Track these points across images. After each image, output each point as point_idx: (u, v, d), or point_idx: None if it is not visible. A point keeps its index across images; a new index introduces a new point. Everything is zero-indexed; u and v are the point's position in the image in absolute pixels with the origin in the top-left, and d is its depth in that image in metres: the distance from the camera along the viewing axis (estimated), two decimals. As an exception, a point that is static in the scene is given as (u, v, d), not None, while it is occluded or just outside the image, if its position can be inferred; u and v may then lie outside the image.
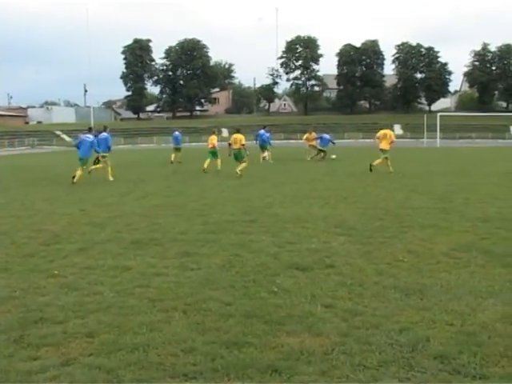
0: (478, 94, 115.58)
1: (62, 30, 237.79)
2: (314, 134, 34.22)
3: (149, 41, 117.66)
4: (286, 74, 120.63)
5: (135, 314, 5.83)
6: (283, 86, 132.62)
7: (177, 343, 5.02)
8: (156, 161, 36.15)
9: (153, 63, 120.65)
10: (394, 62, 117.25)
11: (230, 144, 23.32)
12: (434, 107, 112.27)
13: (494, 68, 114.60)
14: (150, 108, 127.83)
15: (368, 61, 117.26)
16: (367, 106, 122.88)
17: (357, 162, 31.62)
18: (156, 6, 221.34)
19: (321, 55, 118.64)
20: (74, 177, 20.21)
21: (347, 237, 9.69)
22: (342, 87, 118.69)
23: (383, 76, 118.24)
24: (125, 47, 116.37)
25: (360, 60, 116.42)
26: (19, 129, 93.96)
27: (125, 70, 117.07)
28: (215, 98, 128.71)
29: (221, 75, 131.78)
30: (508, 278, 6.96)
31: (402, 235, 9.78)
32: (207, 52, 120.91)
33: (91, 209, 13.73)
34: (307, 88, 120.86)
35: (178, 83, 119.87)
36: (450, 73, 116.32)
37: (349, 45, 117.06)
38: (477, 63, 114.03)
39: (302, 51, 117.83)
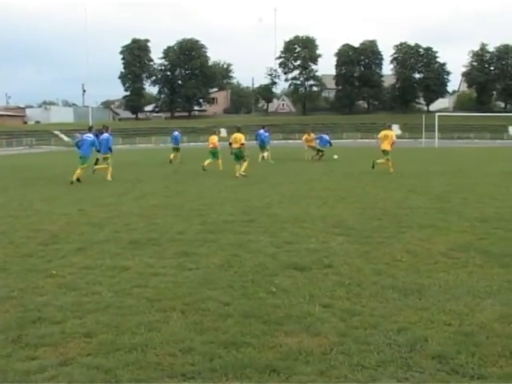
0: (477, 94, 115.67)
1: (61, 30, 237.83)
2: (312, 135, 34.20)
3: (147, 41, 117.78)
4: (285, 74, 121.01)
5: (133, 314, 5.83)
6: (282, 86, 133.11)
7: (175, 343, 5.02)
8: (154, 161, 36.13)
9: (151, 63, 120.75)
10: (392, 62, 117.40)
11: (230, 143, 23.33)
12: (433, 107, 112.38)
13: (492, 68, 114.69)
14: (149, 108, 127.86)
15: (366, 61, 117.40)
16: (365, 106, 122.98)
17: (355, 162, 31.69)
18: (154, 6, 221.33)
19: (319, 55, 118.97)
20: (72, 182, 20.15)
21: (345, 237, 9.69)
22: (340, 87, 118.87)
23: (381, 76, 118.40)
24: (123, 47, 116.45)
25: (358, 60, 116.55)
26: (17, 129, 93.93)
27: (123, 70, 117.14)
28: (213, 98, 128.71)
29: (219, 75, 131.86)
30: (506, 278, 6.96)
31: (401, 235, 9.79)
32: (205, 52, 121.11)
33: (89, 209, 13.72)
34: (306, 88, 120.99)
35: (177, 83, 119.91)
36: (448, 73, 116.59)
37: (347, 45, 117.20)
38: (475, 63, 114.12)
39: (300, 51, 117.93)
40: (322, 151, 33.09)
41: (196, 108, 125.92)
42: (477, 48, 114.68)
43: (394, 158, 24.03)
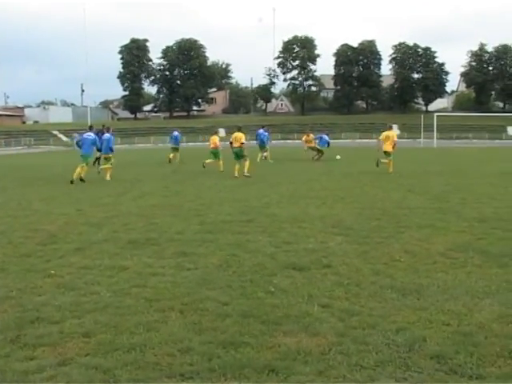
0: (475, 94, 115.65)
1: (60, 30, 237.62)
2: (311, 136, 34.20)
3: (146, 40, 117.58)
4: (283, 74, 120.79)
5: (132, 313, 5.83)
6: (280, 86, 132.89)
7: (173, 343, 5.02)
8: (153, 161, 36.12)
9: (150, 63, 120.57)
10: (391, 62, 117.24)
11: (231, 142, 23.39)
12: (431, 107, 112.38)
13: (490, 68, 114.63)
14: (147, 108, 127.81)
15: (365, 61, 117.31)
16: (364, 106, 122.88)
17: (354, 162, 31.71)
18: (153, 6, 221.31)
19: (318, 55, 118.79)
20: (72, 181, 20.18)
21: (344, 237, 9.69)
22: (339, 87, 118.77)
23: (380, 76, 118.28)
24: (122, 47, 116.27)
25: (357, 60, 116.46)
26: (16, 128, 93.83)
27: (122, 70, 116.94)
28: (212, 98, 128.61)
29: (218, 75, 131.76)
30: (505, 278, 6.97)
31: (399, 235, 9.79)
32: (204, 52, 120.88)
33: (88, 209, 13.72)
34: (304, 88, 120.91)
35: (175, 83, 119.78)
36: (446, 73, 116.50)
37: (346, 45, 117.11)
38: (474, 63, 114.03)
39: (299, 51, 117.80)
40: (322, 151, 33.11)
41: (195, 108, 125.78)
42: (475, 48, 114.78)
43: (393, 157, 24.02)
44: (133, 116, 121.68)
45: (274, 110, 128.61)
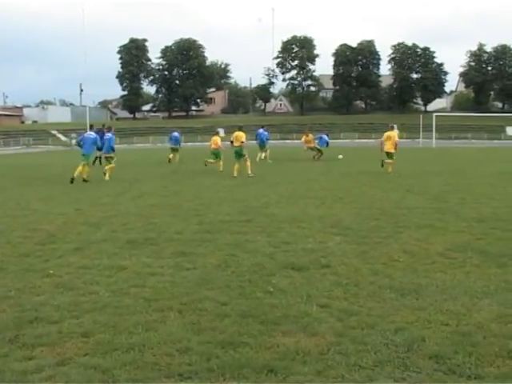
0: (474, 94, 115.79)
1: (59, 30, 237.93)
2: (311, 136, 34.24)
3: (145, 40, 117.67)
4: (282, 74, 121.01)
5: (130, 313, 5.82)
6: (279, 86, 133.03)
7: (172, 343, 5.01)
8: (152, 160, 36.12)
9: (149, 63, 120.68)
10: (389, 62, 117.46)
11: (231, 142, 23.45)
12: (430, 107, 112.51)
13: (489, 68, 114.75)
14: (146, 108, 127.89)
15: (364, 61, 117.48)
16: (363, 106, 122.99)
17: (353, 162, 31.71)
18: (152, 5, 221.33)
19: (317, 55, 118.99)
20: (72, 179, 20.26)
21: (343, 237, 9.69)
22: (337, 87, 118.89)
23: (379, 76, 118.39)
24: (121, 47, 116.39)
25: (356, 60, 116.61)
26: (15, 128, 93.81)
27: (121, 70, 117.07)
28: (211, 98, 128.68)
29: (217, 75, 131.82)
30: (503, 278, 6.97)
31: (398, 235, 9.79)
32: (203, 52, 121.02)
33: (87, 208, 13.72)
34: (303, 88, 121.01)
35: (174, 83, 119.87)
36: (445, 73, 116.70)
37: (345, 45, 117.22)
38: (473, 63, 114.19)
39: (298, 51, 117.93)
40: (321, 151, 33.15)
41: (194, 108, 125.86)
42: (474, 48, 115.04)
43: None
44: (131, 116, 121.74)
45: (273, 110, 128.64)
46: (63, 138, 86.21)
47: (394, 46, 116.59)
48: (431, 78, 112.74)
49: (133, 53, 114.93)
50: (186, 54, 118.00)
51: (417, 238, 9.48)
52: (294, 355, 4.73)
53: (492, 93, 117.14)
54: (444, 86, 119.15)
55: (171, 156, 32.32)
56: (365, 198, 15.26)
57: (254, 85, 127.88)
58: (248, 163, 22.52)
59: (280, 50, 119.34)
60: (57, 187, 19.30)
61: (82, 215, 12.66)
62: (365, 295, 6.35)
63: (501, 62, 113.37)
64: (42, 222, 11.78)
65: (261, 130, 33.07)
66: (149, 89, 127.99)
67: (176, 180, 21.64)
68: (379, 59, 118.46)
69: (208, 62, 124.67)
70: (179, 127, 50.64)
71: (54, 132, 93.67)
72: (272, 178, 21.87)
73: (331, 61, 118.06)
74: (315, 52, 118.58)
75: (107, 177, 21.60)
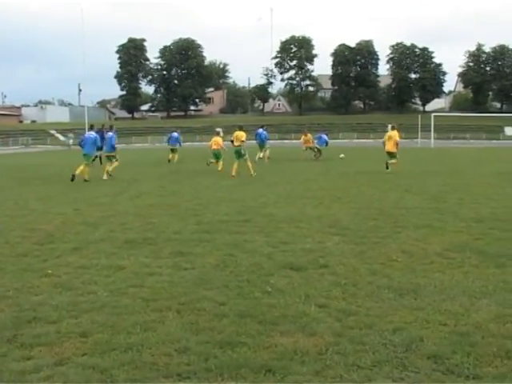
0: (473, 94, 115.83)
1: (58, 29, 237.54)
2: (309, 135, 34.29)
3: (143, 40, 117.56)
4: (281, 73, 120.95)
5: (129, 313, 5.82)
6: (278, 86, 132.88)
7: (170, 343, 5.01)
8: (150, 160, 36.11)
9: (147, 63, 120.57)
10: (388, 62, 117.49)
11: (232, 141, 23.50)
12: (429, 107, 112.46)
13: (488, 69, 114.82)
14: (145, 107, 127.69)
15: (362, 61, 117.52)
16: (361, 106, 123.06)
17: (351, 162, 31.70)
18: (150, 5, 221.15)
19: (315, 55, 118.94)
20: (73, 176, 20.39)
21: (341, 237, 9.69)
22: (336, 87, 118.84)
23: (378, 76, 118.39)
24: (119, 46, 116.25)
25: (354, 60, 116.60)
26: (13, 128, 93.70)
27: (119, 70, 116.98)
28: (210, 98, 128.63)
29: (215, 75, 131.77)
30: (502, 278, 6.97)
31: (396, 235, 9.79)
32: (202, 52, 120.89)
33: (85, 208, 13.71)
34: (302, 88, 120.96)
35: (173, 83, 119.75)
36: (444, 73, 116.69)
37: (343, 45, 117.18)
38: (471, 64, 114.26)
39: (296, 51, 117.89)
40: (320, 151, 33.18)
41: (192, 108, 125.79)
42: (473, 48, 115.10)
43: (391, 158, 24.04)
44: (130, 116, 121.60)
45: (272, 110, 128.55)
46: (62, 137, 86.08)
47: (393, 46, 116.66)
48: (430, 78, 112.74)
49: (131, 53, 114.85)
50: (184, 53, 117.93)
51: (415, 238, 9.49)
52: (292, 355, 4.73)
53: (490, 93, 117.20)
54: (442, 86, 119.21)
55: (171, 156, 32.35)
56: (363, 197, 15.26)
57: (253, 85, 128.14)
58: (249, 163, 22.57)
59: (278, 49, 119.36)
60: (55, 187, 19.31)
61: (81, 215, 12.65)
62: (363, 295, 6.35)
63: (499, 63, 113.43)
64: (40, 221, 11.77)
65: (260, 130, 33.07)
66: (147, 89, 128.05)
67: (174, 180, 21.63)
68: (378, 59, 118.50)
69: (206, 62, 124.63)
70: (178, 127, 50.62)
71: (52, 132, 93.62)
72: (270, 177, 21.87)
73: (330, 61, 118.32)
74: (314, 52, 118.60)
75: (105, 176, 21.64)
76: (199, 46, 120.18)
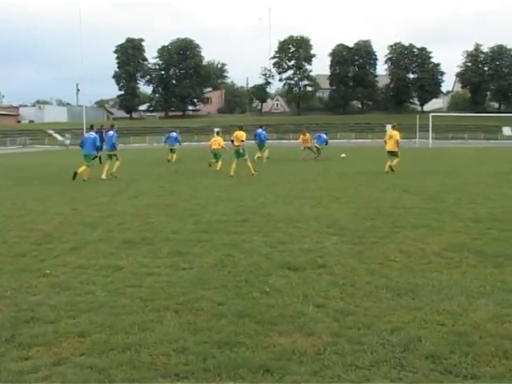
0: (471, 94, 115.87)
1: (57, 29, 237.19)
2: (308, 135, 34.31)
3: (141, 40, 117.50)
4: (279, 73, 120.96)
5: (127, 313, 5.82)
6: (276, 86, 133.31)
7: (168, 343, 5.01)
8: (148, 160, 36.10)
9: (145, 63, 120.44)
10: (386, 62, 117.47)
11: (232, 141, 23.54)
12: (427, 107, 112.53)
13: (486, 69, 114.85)
14: (143, 107, 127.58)
15: (361, 61, 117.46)
16: (360, 106, 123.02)
17: (349, 162, 31.70)
18: (148, 5, 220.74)
19: (313, 55, 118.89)
20: (75, 174, 20.52)
21: (339, 237, 9.69)
22: (334, 87, 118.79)
23: (376, 76, 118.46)
24: (117, 46, 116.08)
25: (353, 60, 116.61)
26: (11, 128, 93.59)
27: (117, 70, 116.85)
28: (208, 98, 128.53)
29: (213, 75, 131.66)
30: (499, 278, 6.98)
31: (394, 235, 9.80)
32: (200, 52, 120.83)
33: (83, 208, 13.71)
34: (300, 88, 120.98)
35: (171, 83, 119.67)
36: (442, 73, 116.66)
37: (341, 45, 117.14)
38: (469, 64, 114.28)
39: (294, 51, 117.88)
40: (319, 150, 33.19)
41: (190, 108, 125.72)
42: (471, 48, 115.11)
43: (389, 158, 24.05)
44: (128, 116, 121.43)
45: (270, 110, 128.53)
46: (60, 137, 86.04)
47: (391, 46, 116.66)
48: (428, 78, 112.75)
49: (129, 52, 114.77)
50: (182, 53, 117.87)
51: (413, 238, 9.49)
52: (291, 355, 4.73)
53: (488, 93, 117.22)
54: (440, 86, 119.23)
55: (170, 156, 32.37)
56: (361, 197, 15.27)
57: (251, 85, 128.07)
58: (249, 163, 22.59)
59: (277, 49, 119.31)
60: (53, 187, 19.30)
61: (79, 215, 12.64)
62: (361, 295, 6.36)
63: (497, 63, 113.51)
64: (38, 221, 11.76)
65: (260, 130, 33.05)
66: (145, 89, 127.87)
67: (173, 180, 21.63)
68: (376, 59, 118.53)
69: (205, 62, 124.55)
70: (176, 127, 50.67)
71: (50, 132, 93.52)
72: (268, 177, 21.86)
73: (328, 61, 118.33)
74: (312, 52, 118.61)
75: (104, 176, 21.65)
76: (197, 46, 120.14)
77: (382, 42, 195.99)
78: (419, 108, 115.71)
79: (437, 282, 6.80)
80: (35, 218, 12.19)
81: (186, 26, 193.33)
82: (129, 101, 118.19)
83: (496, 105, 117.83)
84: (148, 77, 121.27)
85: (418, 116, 72.39)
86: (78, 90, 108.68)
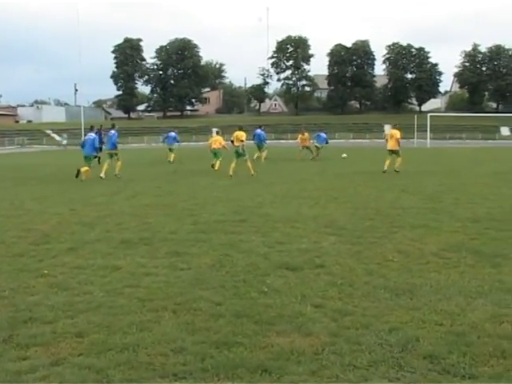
0: (469, 94, 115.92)
1: (57, 29, 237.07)
2: (306, 134, 34.30)
3: (139, 40, 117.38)
4: (277, 73, 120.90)
5: (125, 313, 5.81)
6: (274, 86, 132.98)
7: (166, 343, 5.01)
8: (147, 160, 36.08)
9: (143, 63, 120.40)
10: (384, 62, 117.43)
11: (232, 141, 23.56)
12: (425, 107, 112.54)
13: (484, 69, 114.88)
14: (141, 107, 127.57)
15: (359, 61, 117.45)
16: (358, 106, 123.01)
17: (347, 162, 31.71)
18: (147, 5, 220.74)
19: (312, 55, 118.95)
20: (78, 172, 20.63)
21: (337, 237, 9.69)
22: (332, 87, 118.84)
23: (374, 76, 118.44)
24: (115, 46, 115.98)
25: (351, 60, 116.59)
26: (9, 128, 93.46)
27: (115, 70, 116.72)
28: (206, 98, 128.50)
29: (211, 75, 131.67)
30: (497, 278, 6.98)
31: (392, 235, 9.80)
32: (198, 52, 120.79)
33: (81, 208, 13.70)
34: (298, 88, 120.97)
35: (169, 83, 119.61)
36: (440, 73, 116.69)
37: (340, 45, 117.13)
38: (467, 64, 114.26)
39: (292, 51, 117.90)
40: (318, 149, 33.19)
41: (188, 108, 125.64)
42: (469, 48, 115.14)
43: (387, 158, 24.07)
44: (126, 116, 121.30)
45: (268, 110, 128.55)
46: (57, 137, 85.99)
47: (389, 46, 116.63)
48: (426, 79, 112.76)
49: (127, 52, 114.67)
50: (180, 53, 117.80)
51: (411, 238, 9.50)
52: (289, 355, 4.73)
53: (486, 93, 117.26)
54: (438, 86, 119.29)
55: (170, 156, 32.35)
56: (359, 197, 15.27)
57: (249, 85, 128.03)
58: (249, 163, 22.59)
59: (275, 49, 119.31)
60: (51, 187, 19.29)
61: (76, 215, 12.64)
62: (359, 295, 6.36)
63: (495, 63, 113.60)
64: (36, 221, 11.75)
65: (259, 130, 33.00)
66: (143, 89, 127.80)
67: (171, 180, 21.63)
68: (374, 59, 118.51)
69: (203, 62, 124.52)
70: (174, 127, 50.66)
71: (48, 132, 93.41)
72: (266, 177, 21.85)
73: (326, 61, 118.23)
74: (310, 52, 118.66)
75: (103, 174, 21.67)
76: (195, 46, 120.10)
77: (380, 42, 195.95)
78: (417, 108, 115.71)
79: (435, 282, 6.81)
80: (33, 218, 12.18)
81: (184, 25, 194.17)
82: (127, 101, 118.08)
83: (494, 105, 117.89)
84: (146, 77, 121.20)
85: (416, 116, 72.31)
86: (76, 90, 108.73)
